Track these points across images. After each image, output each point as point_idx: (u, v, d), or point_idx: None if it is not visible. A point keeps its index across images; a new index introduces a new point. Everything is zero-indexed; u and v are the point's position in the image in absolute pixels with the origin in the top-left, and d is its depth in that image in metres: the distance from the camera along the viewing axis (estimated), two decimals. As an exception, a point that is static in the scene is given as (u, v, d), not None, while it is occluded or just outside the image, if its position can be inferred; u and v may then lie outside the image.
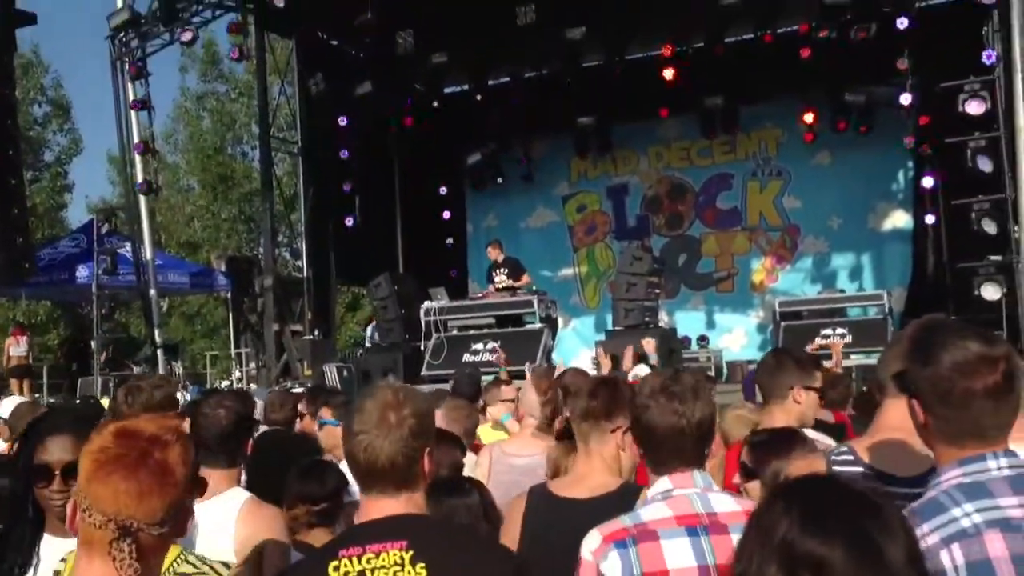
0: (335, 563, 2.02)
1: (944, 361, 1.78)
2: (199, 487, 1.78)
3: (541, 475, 3.44)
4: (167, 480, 1.63)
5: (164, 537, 1.64)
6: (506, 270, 13.42)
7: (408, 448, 2.10)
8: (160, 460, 1.64)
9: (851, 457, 2.39)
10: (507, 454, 4.11)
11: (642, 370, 4.56)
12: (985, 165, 11.42)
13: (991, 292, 11.69)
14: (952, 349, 1.79)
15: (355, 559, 2.02)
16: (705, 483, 2.33)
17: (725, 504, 2.28)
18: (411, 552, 2.02)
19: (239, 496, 2.87)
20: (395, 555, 2.02)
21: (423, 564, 2.00)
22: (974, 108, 11.63)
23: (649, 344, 9.37)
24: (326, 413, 4.58)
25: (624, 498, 2.68)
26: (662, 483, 2.34)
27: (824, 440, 3.49)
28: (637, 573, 2.21)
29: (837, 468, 2.45)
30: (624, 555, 2.22)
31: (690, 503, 2.27)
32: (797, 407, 3.42)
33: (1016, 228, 11.00)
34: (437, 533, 2.15)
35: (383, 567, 2.01)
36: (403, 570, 2.00)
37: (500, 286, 13.21)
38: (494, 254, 13.60)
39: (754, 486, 2.82)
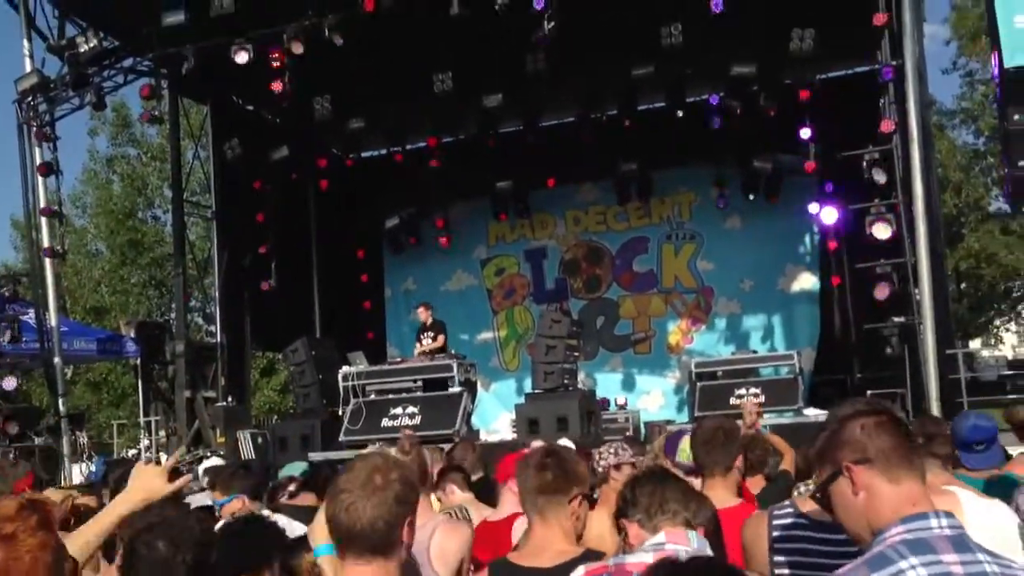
0: None
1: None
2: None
3: (421, 558, 3.37)
4: None
5: None
6: (432, 333, 13.41)
7: (390, 513, 2.11)
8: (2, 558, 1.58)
9: (790, 509, 2.67)
10: None
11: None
12: (883, 232, 11.91)
13: (894, 354, 12.13)
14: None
15: None
16: (699, 546, 2.41)
17: None
18: None
19: None
20: None
21: None
22: (880, 176, 12.16)
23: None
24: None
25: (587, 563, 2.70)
26: (657, 537, 2.45)
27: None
28: None
29: (777, 520, 2.68)
30: None
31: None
32: (735, 478, 3.53)
33: (916, 291, 11.45)
34: None
35: None
36: None
37: (427, 349, 13.17)
38: (424, 315, 13.59)
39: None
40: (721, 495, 3.33)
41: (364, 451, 2.46)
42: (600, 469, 4.62)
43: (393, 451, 4.48)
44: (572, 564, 2.73)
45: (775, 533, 2.72)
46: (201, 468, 6.42)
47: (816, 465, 2.05)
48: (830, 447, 1.98)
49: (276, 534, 3.21)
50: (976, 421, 4.36)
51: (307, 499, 5.20)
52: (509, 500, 4.02)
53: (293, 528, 4.18)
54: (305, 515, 4.40)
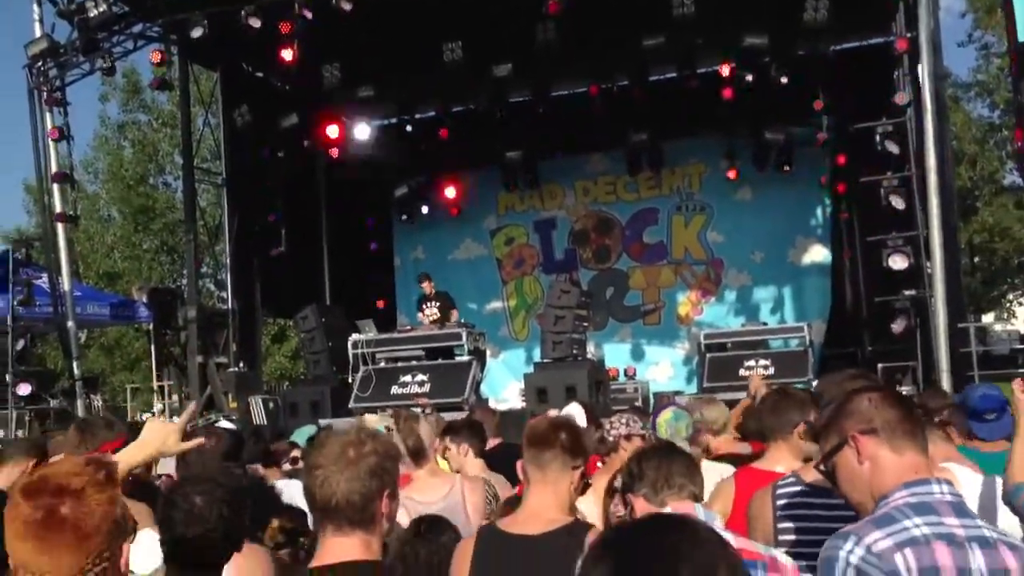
0: None
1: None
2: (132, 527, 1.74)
3: (460, 518, 3.40)
4: (78, 534, 1.60)
5: None
6: (437, 304, 13.43)
7: (364, 487, 2.10)
8: (68, 516, 1.61)
9: (793, 479, 2.80)
10: (417, 502, 3.82)
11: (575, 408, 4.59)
12: (898, 203, 11.85)
13: (904, 327, 12.11)
14: None
15: None
16: (707, 519, 2.42)
17: None
18: None
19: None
20: None
21: None
22: (891, 147, 12.08)
23: None
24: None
25: (574, 533, 2.71)
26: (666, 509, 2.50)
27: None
28: None
29: (781, 490, 2.80)
30: None
31: None
32: (801, 443, 3.51)
33: (928, 264, 11.41)
34: None
35: None
36: None
37: (430, 319, 13.20)
38: (428, 288, 13.61)
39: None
40: (788, 459, 3.31)
41: (333, 424, 2.47)
42: (611, 439, 4.62)
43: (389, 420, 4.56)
44: (560, 532, 2.73)
45: (780, 502, 2.79)
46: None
47: (822, 436, 2.10)
48: (837, 418, 2.05)
49: (273, 498, 3.32)
50: (986, 391, 4.39)
51: None
52: None
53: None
54: None
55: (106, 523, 1.64)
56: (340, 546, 2.09)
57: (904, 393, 5.76)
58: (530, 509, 2.87)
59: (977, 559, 1.80)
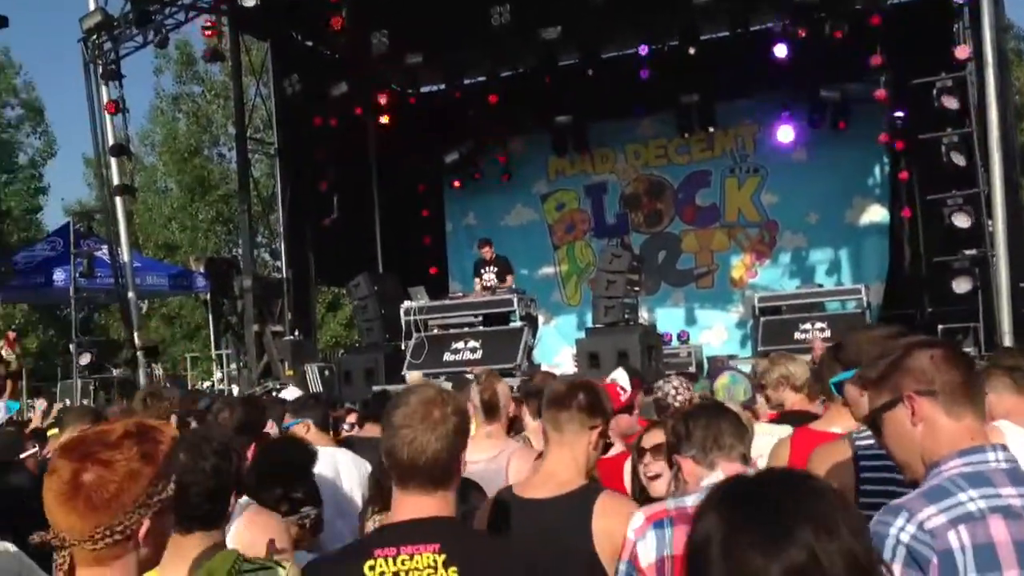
0: (371, 562, 2.06)
1: None
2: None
3: (499, 482, 3.38)
4: (98, 498, 1.61)
5: (101, 553, 1.61)
6: (496, 269, 13.46)
7: (452, 445, 2.14)
8: (92, 480, 1.61)
9: (869, 432, 2.56)
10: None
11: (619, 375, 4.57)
12: (959, 160, 11.54)
13: (962, 286, 11.82)
14: None
15: (390, 559, 2.05)
16: None
17: None
18: (444, 555, 2.05)
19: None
20: (428, 558, 2.05)
21: (455, 568, 2.04)
22: (950, 103, 11.74)
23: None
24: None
25: (586, 497, 2.70)
26: (715, 475, 2.43)
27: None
28: (668, 555, 2.28)
29: (860, 443, 2.63)
30: (660, 535, 2.33)
31: None
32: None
33: (990, 222, 11.12)
34: (468, 537, 2.20)
35: (417, 569, 2.05)
36: (436, 572, 2.04)
37: (487, 284, 13.24)
38: (488, 253, 13.64)
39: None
40: (846, 420, 3.25)
41: (413, 384, 2.53)
42: (677, 403, 4.59)
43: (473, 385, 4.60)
44: (572, 496, 2.72)
45: (862, 460, 2.66)
46: (285, 395, 6.60)
47: (872, 388, 1.99)
48: (894, 372, 1.93)
49: (296, 466, 3.45)
50: None
51: (372, 430, 5.17)
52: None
53: (358, 463, 4.29)
54: (372, 448, 4.48)
55: (128, 494, 1.63)
56: (421, 504, 2.12)
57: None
58: (547, 471, 2.86)
59: None
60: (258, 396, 9.00)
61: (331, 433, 4.90)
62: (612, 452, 3.88)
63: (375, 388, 11.35)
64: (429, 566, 2.04)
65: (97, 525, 1.61)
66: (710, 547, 1.23)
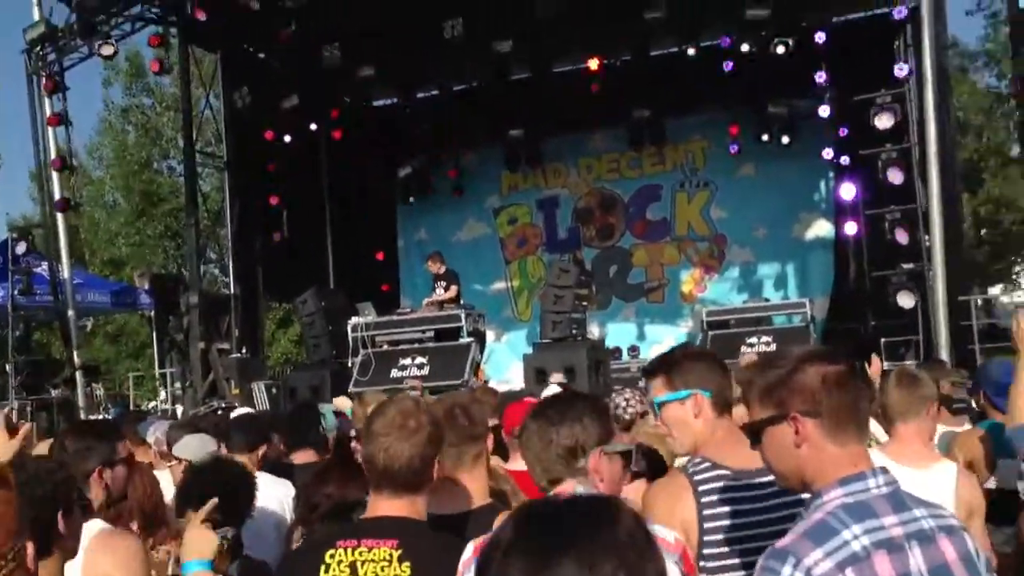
0: (331, 551, 2.26)
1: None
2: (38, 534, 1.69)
3: None
4: None
5: None
6: (444, 283, 13.41)
7: (424, 453, 2.33)
8: None
9: (708, 463, 2.51)
10: None
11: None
12: (896, 177, 11.73)
13: (906, 300, 12.01)
14: None
15: (350, 550, 2.26)
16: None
17: None
18: (400, 551, 2.24)
19: (91, 528, 2.71)
20: (385, 552, 2.25)
21: (408, 563, 2.22)
22: (883, 122, 11.95)
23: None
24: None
25: (480, 518, 2.65)
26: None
27: None
28: None
29: (698, 476, 2.50)
30: None
31: None
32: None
33: (927, 238, 11.30)
34: (427, 537, 2.33)
35: (372, 561, 2.24)
36: (390, 566, 2.23)
37: (437, 299, 13.18)
38: (434, 267, 13.57)
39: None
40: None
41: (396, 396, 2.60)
42: (627, 416, 4.61)
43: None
44: (469, 516, 2.69)
45: (703, 497, 2.54)
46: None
47: (758, 398, 1.89)
48: (781, 388, 1.84)
49: (224, 470, 3.37)
50: (1006, 366, 4.34)
51: (305, 456, 4.72)
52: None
53: (278, 485, 4.14)
54: (300, 473, 4.29)
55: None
56: (390, 505, 2.31)
57: (869, 368, 5.61)
58: (447, 491, 2.84)
59: (917, 560, 1.71)
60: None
61: (255, 455, 4.70)
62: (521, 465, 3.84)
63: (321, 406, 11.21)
64: (384, 559, 2.23)
65: None
66: (496, 551, 1.22)
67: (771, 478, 1.98)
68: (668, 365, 2.66)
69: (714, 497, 2.45)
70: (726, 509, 2.44)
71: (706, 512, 2.45)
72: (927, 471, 3.14)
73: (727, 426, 2.57)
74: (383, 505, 2.32)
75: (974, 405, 4.77)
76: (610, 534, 1.21)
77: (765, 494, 2.40)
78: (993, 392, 4.28)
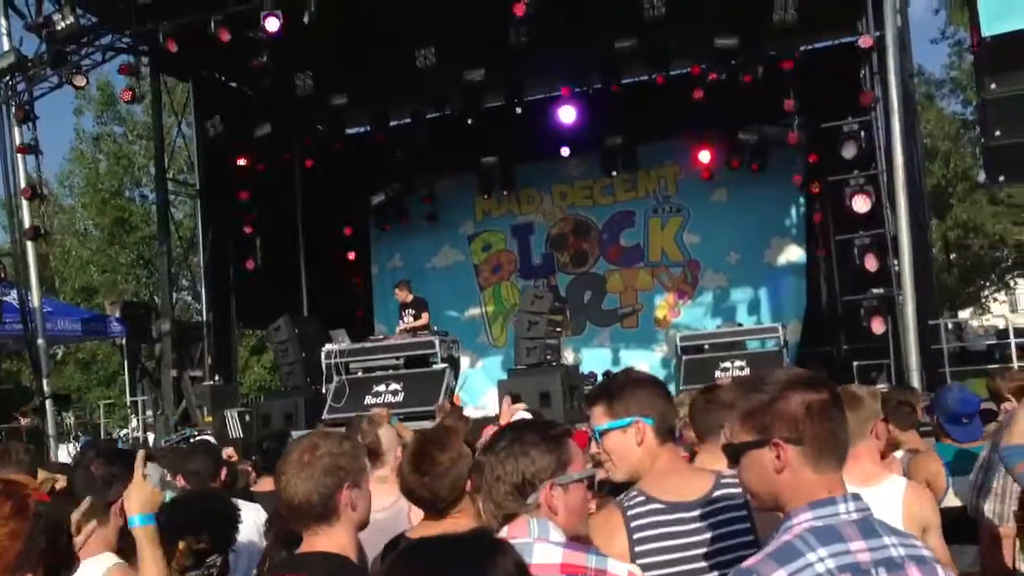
0: None
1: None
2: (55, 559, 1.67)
3: (402, 527, 3.29)
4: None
5: None
6: (413, 311, 13.39)
7: (321, 486, 2.33)
8: None
9: (643, 497, 2.49)
10: None
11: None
12: (862, 204, 11.89)
13: (878, 325, 12.14)
14: None
15: None
16: (541, 532, 2.20)
17: (545, 555, 2.15)
18: None
19: (106, 562, 2.70)
20: None
21: None
22: (849, 151, 12.15)
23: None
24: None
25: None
26: (501, 533, 2.29)
27: None
28: None
29: (632, 511, 2.49)
30: None
31: None
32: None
33: (895, 263, 11.43)
34: (340, 572, 2.33)
35: None
36: None
37: (409, 327, 13.16)
38: (402, 295, 13.55)
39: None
40: (719, 462, 3.23)
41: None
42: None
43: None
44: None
45: (636, 533, 2.53)
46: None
47: (740, 420, 1.90)
48: (764, 413, 1.85)
49: (210, 500, 3.38)
50: (964, 395, 4.44)
51: (270, 483, 4.93)
52: None
53: (250, 511, 4.14)
54: (263, 501, 4.28)
55: (6, 558, 1.56)
56: (310, 540, 2.36)
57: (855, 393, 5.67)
58: (431, 524, 2.96)
59: None
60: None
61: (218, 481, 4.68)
62: None
63: (295, 433, 11.15)
64: None
65: None
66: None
67: (706, 509, 2.00)
68: (609, 393, 2.59)
69: (646, 533, 2.44)
70: (658, 545, 2.42)
71: (638, 549, 2.43)
72: (876, 487, 3.16)
73: (669, 454, 2.55)
74: (307, 540, 2.38)
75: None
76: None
77: (699, 527, 2.41)
78: (945, 420, 4.35)
